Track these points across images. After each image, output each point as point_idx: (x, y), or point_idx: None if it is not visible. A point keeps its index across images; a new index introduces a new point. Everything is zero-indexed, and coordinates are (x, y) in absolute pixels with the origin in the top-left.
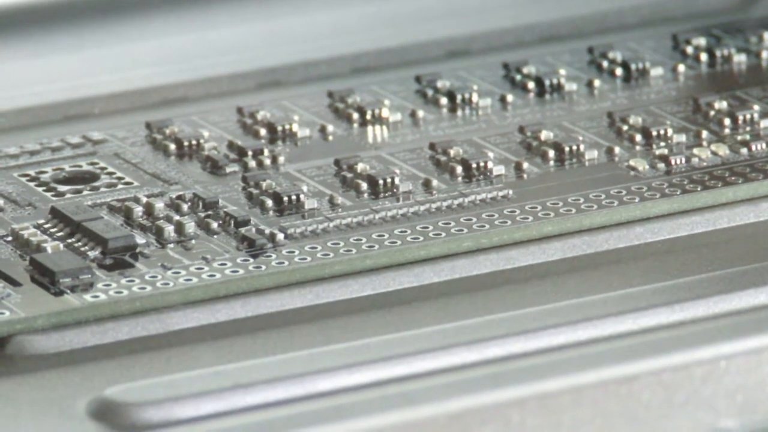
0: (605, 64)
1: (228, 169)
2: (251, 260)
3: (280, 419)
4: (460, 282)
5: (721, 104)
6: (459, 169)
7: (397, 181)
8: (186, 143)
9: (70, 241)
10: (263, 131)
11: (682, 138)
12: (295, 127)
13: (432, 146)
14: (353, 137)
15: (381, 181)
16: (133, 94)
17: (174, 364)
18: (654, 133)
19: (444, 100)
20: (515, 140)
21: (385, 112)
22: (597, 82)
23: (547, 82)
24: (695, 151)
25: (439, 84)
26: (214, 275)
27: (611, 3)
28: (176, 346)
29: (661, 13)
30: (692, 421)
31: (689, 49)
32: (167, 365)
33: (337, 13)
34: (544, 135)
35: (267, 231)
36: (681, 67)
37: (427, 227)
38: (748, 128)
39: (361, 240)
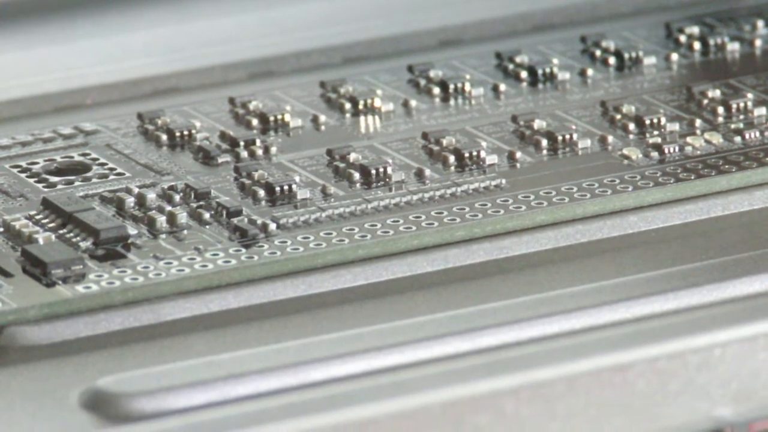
0: (598, 53)
1: (220, 160)
2: (243, 250)
3: (273, 409)
4: (453, 271)
5: (715, 93)
6: (452, 158)
7: (389, 170)
8: (178, 134)
9: (61, 232)
10: (255, 121)
11: (676, 127)
12: (287, 117)
13: (425, 136)
14: (346, 127)
15: (373, 171)
16: (124, 84)
17: (166, 355)
18: (647, 122)
19: (437, 90)
20: (508, 129)
21: (377, 102)
22: (590, 71)
23: (539, 72)
24: (689, 139)
25: (432, 73)
26: (206, 265)
27: None
28: (169, 336)
29: (654, 1)
30: (687, 410)
31: (682, 38)
32: (160, 355)
33: (329, 2)
34: (537, 124)
35: (259, 221)
36: (674, 56)
37: (420, 217)
38: (741, 117)
39: (353, 230)
